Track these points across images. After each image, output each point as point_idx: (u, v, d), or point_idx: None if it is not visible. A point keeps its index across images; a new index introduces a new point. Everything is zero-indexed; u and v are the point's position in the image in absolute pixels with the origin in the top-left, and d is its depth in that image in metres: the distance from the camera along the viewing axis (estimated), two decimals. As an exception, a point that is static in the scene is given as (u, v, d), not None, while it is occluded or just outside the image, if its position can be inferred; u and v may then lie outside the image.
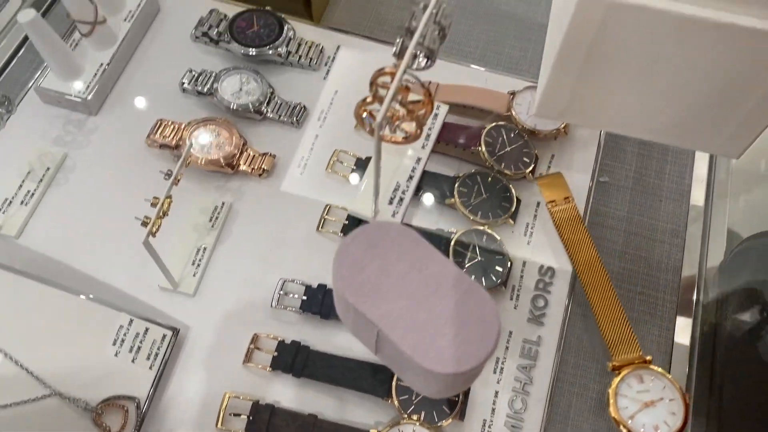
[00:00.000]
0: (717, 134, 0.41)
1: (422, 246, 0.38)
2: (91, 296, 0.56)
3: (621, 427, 0.49)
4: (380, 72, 0.40)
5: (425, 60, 0.40)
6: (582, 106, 0.42)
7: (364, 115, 0.40)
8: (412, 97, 0.39)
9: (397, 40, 0.39)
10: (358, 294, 0.36)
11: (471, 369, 0.35)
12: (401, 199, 0.50)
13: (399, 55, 0.38)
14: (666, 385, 0.49)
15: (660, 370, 0.50)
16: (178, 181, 0.54)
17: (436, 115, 0.54)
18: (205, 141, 0.64)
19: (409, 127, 0.41)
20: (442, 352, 0.35)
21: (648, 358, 0.50)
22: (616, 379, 0.49)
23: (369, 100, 0.40)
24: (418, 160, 0.52)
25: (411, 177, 0.51)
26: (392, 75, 0.38)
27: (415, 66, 0.39)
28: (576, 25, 0.37)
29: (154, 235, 0.52)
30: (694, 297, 0.64)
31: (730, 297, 0.62)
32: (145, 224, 0.52)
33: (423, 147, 0.52)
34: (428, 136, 0.53)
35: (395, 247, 0.37)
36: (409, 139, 0.41)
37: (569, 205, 0.48)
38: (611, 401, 0.48)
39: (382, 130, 0.38)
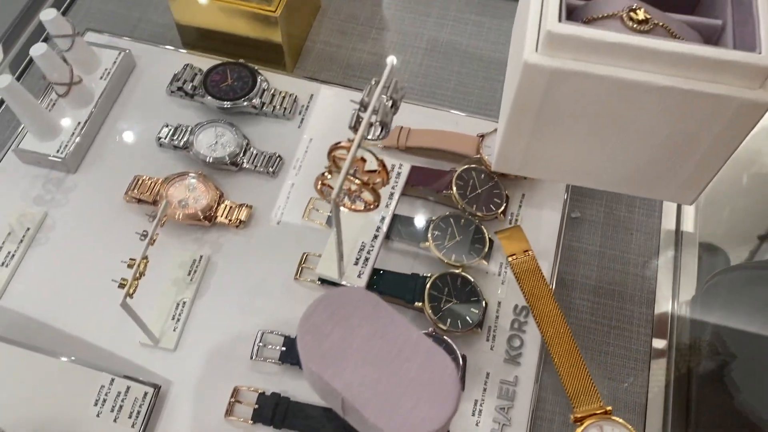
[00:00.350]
0: (669, 184, 0.43)
1: (384, 310, 0.39)
2: (72, 358, 0.57)
3: None
4: (336, 146, 0.41)
5: (380, 129, 0.41)
6: (537, 161, 0.44)
7: (323, 187, 0.42)
8: (369, 166, 0.41)
9: (353, 112, 0.40)
10: (321, 363, 0.37)
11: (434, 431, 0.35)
12: (366, 259, 0.52)
13: (354, 127, 0.40)
14: None
15: (620, 420, 0.51)
16: (154, 241, 0.55)
17: (399, 173, 0.55)
18: (181, 196, 0.65)
19: (368, 196, 0.42)
20: (405, 418, 0.36)
21: (608, 408, 0.51)
22: (578, 431, 0.50)
23: (326, 173, 0.42)
24: (383, 219, 0.54)
25: (376, 236, 0.53)
26: (348, 149, 0.39)
27: (370, 136, 0.41)
28: (523, 90, 0.39)
29: (131, 296, 0.53)
30: (668, 331, 0.65)
31: (703, 332, 0.63)
32: (122, 286, 0.53)
33: (387, 206, 0.54)
34: (392, 194, 0.55)
35: (357, 312, 0.38)
36: (368, 208, 0.43)
37: (528, 257, 0.50)
38: None
39: (342, 201, 0.39)
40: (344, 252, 0.51)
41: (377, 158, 0.41)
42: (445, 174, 0.67)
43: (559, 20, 0.39)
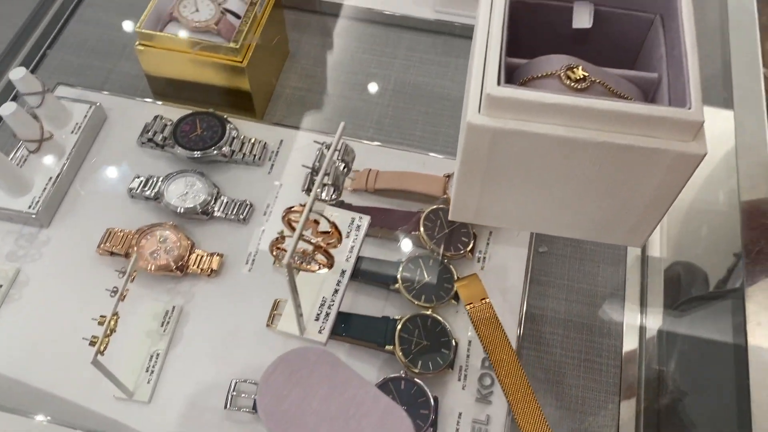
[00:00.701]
0: (617, 230, 0.44)
1: (341, 369, 0.40)
2: (48, 417, 0.58)
3: None
4: (290, 210, 0.42)
5: (333, 190, 0.43)
6: (489, 211, 0.45)
7: (278, 252, 0.43)
8: (322, 227, 0.42)
9: (306, 176, 0.42)
10: (280, 424, 0.38)
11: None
12: (327, 314, 0.53)
13: (307, 190, 0.41)
14: None
15: None
16: (124, 297, 0.55)
17: (359, 226, 0.57)
18: (153, 247, 0.66)
19: (322, 258, 0.43)
20: (363, 475, 0.36)
21: None
22: None
23: (280, 238, 0.43)
24: (343, 272, 0.55)
25: (336, 291, 0.54)
26: (301, 212, 0.40)
27: (324, 196, 0.42)
28: (469, 148, 0.40)
29: (102, 353, 0.54)
30: (636, 363, 0.66)
31: (670, 362, 0.64)
32: (93, 344, 0.53)
33: (347, 260, 0.55)
34: (352, 248, 0.56)
35: (315, 372, 0.39)
36: (322, 268, 0.44)
37: (485, 305, 0.51)
38: None
39: (296, 263, 0.41)
40: (306, 308, 0.52)
41: (329, 221, 0.43)
42: (413, 215, 0.68)
43: (498, 83, 0.41)
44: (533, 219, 0.46)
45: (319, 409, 0.38)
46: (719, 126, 0.70)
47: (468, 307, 0.51)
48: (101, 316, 0.54)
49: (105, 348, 0.54)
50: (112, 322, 0.54)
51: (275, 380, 0.39)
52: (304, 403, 0.38)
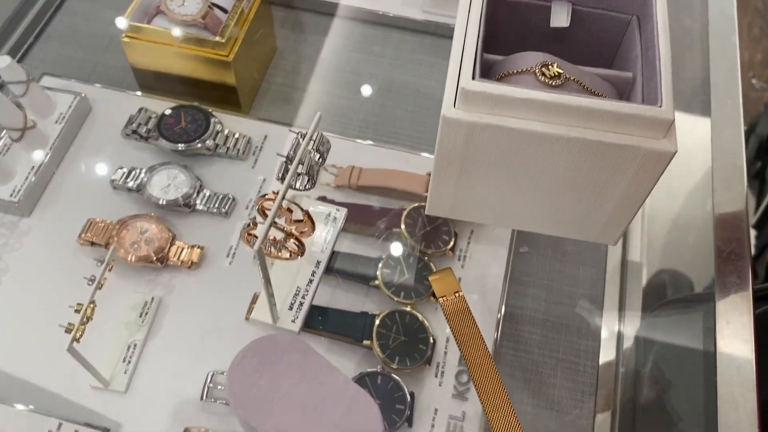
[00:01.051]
0: (591, 227, 0.45)
1: (311, 356, 0.40)
2: (19, 405, 0.57)
3: None
4: (264, 197, 0.43)
5: (307, 180, 0.43)
6: (464, 205, 0.46)
7: (249, 237, 0.43)
8: (295, 216, 0.42)
9: (281, 164, 0.42)
10: (248, 409, 0.38)
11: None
12: (301, 303, 0.53)
13: (281, 178, 0.41)
14: None
15: None
16: (102, 285, 0.55)
17: (335, 218, 0.57)
18: (134, 238, 0.66)
19: (293, 246, 0.44)
20: (330, 461, 0.36)
21: None
22: None
23: (252, 224, 0.43)
24: (318, 263, 0.55)
25: (311, 281, 0.54)
26: (274, 200, 0.41)
27: (297, 185, 0.42)
28: (444, 142, 0.41)
29: (78, 341, 0.54)
30: (613, 364, 0.66)
31: (646, 363, 0.65)
32: (69, 331, 0.53)
33: (322, 251, 0.55)
34: (327, 240, 0.56)
35: (285, 358, 0.39)
36: (293, 256, 0.44)
37: (458, 298, 0.51)
38: None
39: (267, 250, 0.41)
40: (280, 297, 0.52)
41: (302, 209, 0.43)
42: (394, 212, 0.69)
43: (473, 77, 0.41)
44: (508, 214, 0.47)
45: (289, 395, 0.39)
46: (700, 133, 0.71)
47: (441, 299, 0.51)
48: (78, 304, 0.54)
49: (81, 336, 0.54)
50: (89, 310, 0.54)
51: (245, 366, 0.39)
52: (273, 389, 0.39)
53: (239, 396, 0.38)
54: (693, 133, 0.67)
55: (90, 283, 0.56)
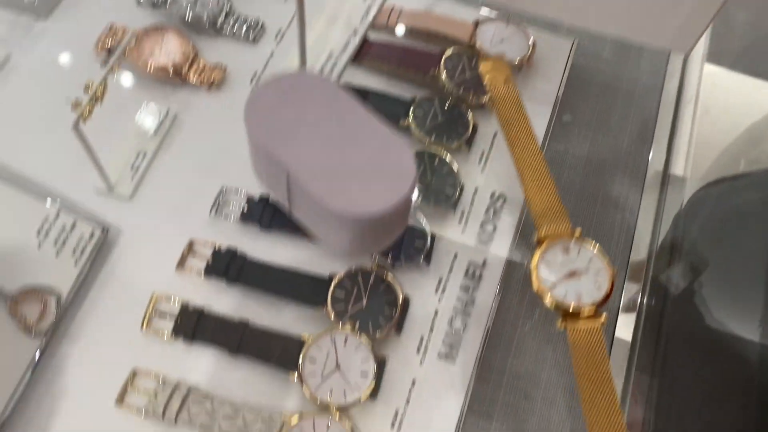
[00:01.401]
0: (665, 28, 0.40)
1: (341, 96, 0.35)
2: (17, 185, 0.54)
3: (543, 299, 0.46)
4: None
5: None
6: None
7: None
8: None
9: None
10: (268, 136, 0.33)
11: (382, 213, 0.32)
12: (332, 69, 0.48)
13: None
14: (592, 257, 0.47)
15: (591, 241, 0.47)
16: (114, 69, 0.51)
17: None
18: (154, 47, 0.62)
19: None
20: (353, 196, 0.32)
21: (577, 230, 0.47)
22: (539, 250, 0.46)
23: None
24: (355, 31, 0.50)
25: (345, 48, 0.49)
26: None
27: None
28: None
29: (84, 121, 0.50)
30: (648, 243, 0.62)
31: (681, 249, 0.60)
32: (76, 107, 0.49)
33: (362, 20, 0.50)
34: (368, 10, 0.51)
35: (312, 96, 0.35)
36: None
37: (509, 86, 0.46)
38: (533, 274, 0.45)
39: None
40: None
41: None
42: (433, 54, 0.64)
43: None
44: (574, 7, 0.41)
45: (313, 131, 0.34)
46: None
47: (489, 86, 0.46)
48: (88, 80, 0.50)
49: (89, 115, 0.50)
50: (99, 90, 0.50)
51: (266, 98, 0.35)
52: (296, 123, 0.34)
53: (259, 124, 0.34)
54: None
55: (103, 65, 0.51)
